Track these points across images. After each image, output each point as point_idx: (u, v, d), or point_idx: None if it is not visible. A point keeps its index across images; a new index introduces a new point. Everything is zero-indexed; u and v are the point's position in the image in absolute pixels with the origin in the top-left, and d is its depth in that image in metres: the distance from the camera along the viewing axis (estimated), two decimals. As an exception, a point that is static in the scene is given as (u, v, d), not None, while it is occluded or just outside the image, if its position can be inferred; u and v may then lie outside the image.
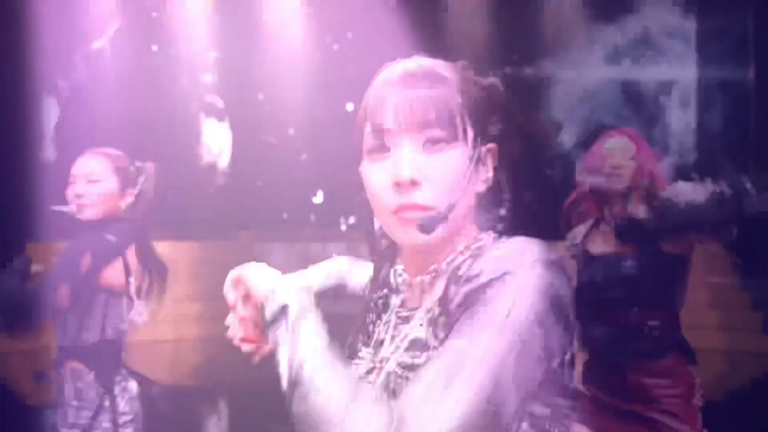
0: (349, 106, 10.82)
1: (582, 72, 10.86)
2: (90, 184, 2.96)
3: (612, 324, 2.99)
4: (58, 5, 10.30)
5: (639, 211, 2.95)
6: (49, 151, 11.05)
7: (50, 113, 11.22)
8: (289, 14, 10.83)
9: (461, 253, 1.29)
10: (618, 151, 3.17)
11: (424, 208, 1.22)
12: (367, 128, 1.31)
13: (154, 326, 8.99)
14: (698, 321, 8.89)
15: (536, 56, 11.00)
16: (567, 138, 10.72)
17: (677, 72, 10.68)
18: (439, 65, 1.31)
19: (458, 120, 1.26)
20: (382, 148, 1.27)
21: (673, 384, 3.00)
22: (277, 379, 1.42)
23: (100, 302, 2.96)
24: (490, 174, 1.30)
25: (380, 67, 1.40)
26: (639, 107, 10.82)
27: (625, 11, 10.67)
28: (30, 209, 9.99)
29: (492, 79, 1.34)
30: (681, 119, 10.73)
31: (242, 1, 10.84)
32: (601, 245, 3.03)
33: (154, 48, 11.31)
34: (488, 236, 1.33)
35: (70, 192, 2.99)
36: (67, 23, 10.64)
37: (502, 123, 1.33)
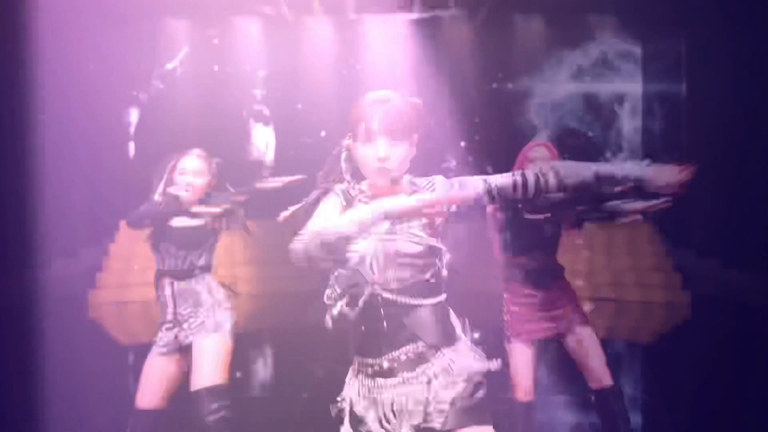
0: None
1: (553, 86, 11.42)
2: (196, 177, 3.46)
3: (534, 257, 3.60)
4: (139, 36, 11.27)
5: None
6: (131, 148, 11.91)
7: (132, 119, 11.97)
8: (322, 41, 11.56)
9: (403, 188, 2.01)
10: (539, 158, 3.58)
11: (389, 170, 1.96)
12: (362, 126, 1.97)
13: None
14: (640, 280, 9.65)
15: (517, 74, 11.57)
16: (540, 139, 11.20)
17: (627, 87, 11.25)
18: (397, 95, 2.02)
19: (408, 129, 1.99)
20: (369, 138, 1.97)
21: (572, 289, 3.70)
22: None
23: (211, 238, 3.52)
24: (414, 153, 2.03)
25: (392, 82, 2.32)
26: (598, 115, 11.36)
27: (587, 39, 11.27)
28: (118, 194, 11.02)
29: (416, 100, 2.06)
30: (630, 124, 11.25)
31: (285, 32, 11.54)
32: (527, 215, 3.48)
33: (215, 68, 11.90)
34: (412, 180, 2.09)
35: (181, 181, 3.44)
36: (146, 49, 11.57)
37: (423, 126, 2.08)
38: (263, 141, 12.61)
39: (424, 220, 2.02)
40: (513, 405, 3.55)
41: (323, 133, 11.87)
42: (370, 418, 2.08)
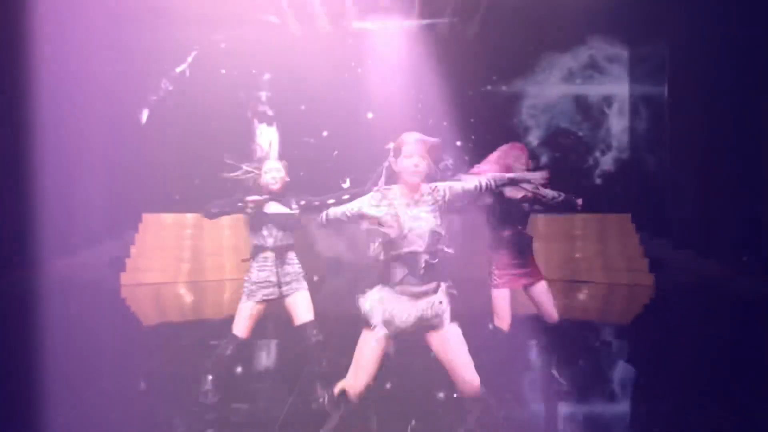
0: (369, 115, 12.37)
1: (544, 88, 12.09)
2: (277, 172, 4.84)
3: (514, 229, 5.11)
4: (150, 41, 12.10)
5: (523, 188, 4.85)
6: (145, 147, 12.37)
7: (146, 120, 12.63)
8: (325, 46, 12.20)
9: (422, 192, 3.52)
10: (517, 158, 4.91)
11: (420, 171, 3.50)
12: (405, 150, 3.49)
13: (224, 271, 10.70)
14: (629, 266, 10.54)
15: (510, 77, 12.28)
16: (533, 138, 12.04)
17: (615, 88, 11.97)
18: (424, 137, 3.53)
19: (426, 154, 3.50)
20: (410, 156, 3.46)
21: (532, 258, 5.08)
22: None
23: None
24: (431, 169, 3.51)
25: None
26: (587, 115, 12.04)
27: (577, 43, 11.95)
28: (136, 189, 11.93)
29: (435, 140, 3.58)
30: (618, 124, 11.98)
31: (289, 37, 12.23)
32: (508, 194, 4.96)
33: (222, 71, 12.62)
34: (428, 187, 3.54)
35: (266, 177, 4.81)
36: (156, 52, 12.36)
37: (437, 152, 3.59)
38: (267, 140, 12.49)
39: (435, 211, 3.67)
40: (495, 330, 5.33)
41: (325, 133, 12.67)
42: (394, 319, 3.76)
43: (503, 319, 5.25)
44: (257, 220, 4.99)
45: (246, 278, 5.15)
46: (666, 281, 9.95)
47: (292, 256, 5.11)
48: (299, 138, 12.50)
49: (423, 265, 3.72)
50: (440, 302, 3.83)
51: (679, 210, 10.33)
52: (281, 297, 5.06)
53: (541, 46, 11.91)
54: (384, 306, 3.79)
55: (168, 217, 11.62)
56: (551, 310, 5.29)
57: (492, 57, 12.09)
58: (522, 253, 5.24)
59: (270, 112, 13.12)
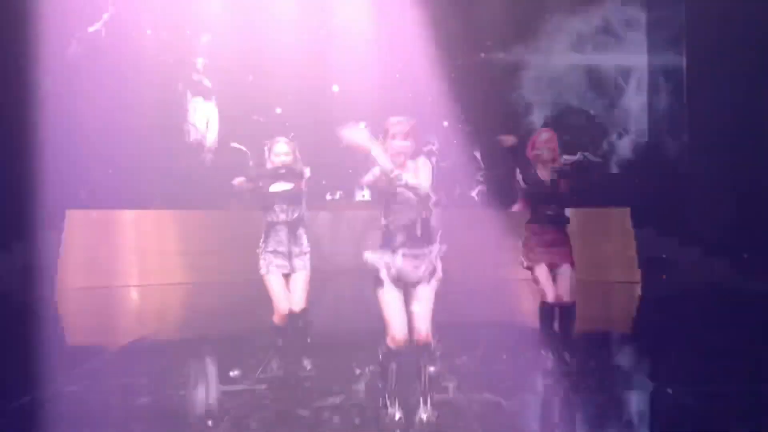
0: (335, 88, 11.64)
1: (549, 57, 11.51)
2: (285, 156, 5.46)
3: (551, 210, 5.78)
4: None
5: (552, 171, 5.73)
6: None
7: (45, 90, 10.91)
8: (280, 1, 11.37)
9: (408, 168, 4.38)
10: (547, 140, 5.59)
11: (403, 154, 4.22)
12: (389, 134, 4.22)
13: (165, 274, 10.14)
14: (622, 261, 10.58)
15: (508, 42, 11.65)
16: (536, 118, 11.57)
17: (633, 58, 11.40)
18: (408, 119, 4.23)
19: (412, 135, 4.25)
20: (393, 138, 4.20)
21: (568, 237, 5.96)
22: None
23: None
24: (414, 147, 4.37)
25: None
26: (601, 92, 11.50)
27: (586, 2, 11.37)
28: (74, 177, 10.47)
29: (413, 120, 4.27)
30: (636, 102, 11.41)
31: None
32: (542, 178, 5.65)
33: (148, 31, 11.48)
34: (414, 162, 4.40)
35: (276, 161, 5.53)
36: (66, 6, 10.63)
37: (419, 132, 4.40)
38: (203, 119, 12.22)
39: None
40: (546, 307, 5.92)
41: (279, 110, 11.82)
42: (394, 275, 4.48)
43: (549, 292, 5.85)
44: (268, 199, 5.76)
45: (261, 247, 5.86)
46: (673, 279, 10.30)
47: (302, 232, 5.88)
48: (245, 116, 11.61)
49: (419, 228, 4.44)
50: (432, 261, 4.55)
51: (683, 209, 10.65)
52: (290, 272, 5.83)
53: (546, 5, 11.34)
54: (388, 264, 4.50)
55: (92, 214, 10.74)
56: (564, 293, 5.84)
57: (487, 18, 11.38)
58: (553, 231, 5.87)
59: (207, 83, 12.16)
